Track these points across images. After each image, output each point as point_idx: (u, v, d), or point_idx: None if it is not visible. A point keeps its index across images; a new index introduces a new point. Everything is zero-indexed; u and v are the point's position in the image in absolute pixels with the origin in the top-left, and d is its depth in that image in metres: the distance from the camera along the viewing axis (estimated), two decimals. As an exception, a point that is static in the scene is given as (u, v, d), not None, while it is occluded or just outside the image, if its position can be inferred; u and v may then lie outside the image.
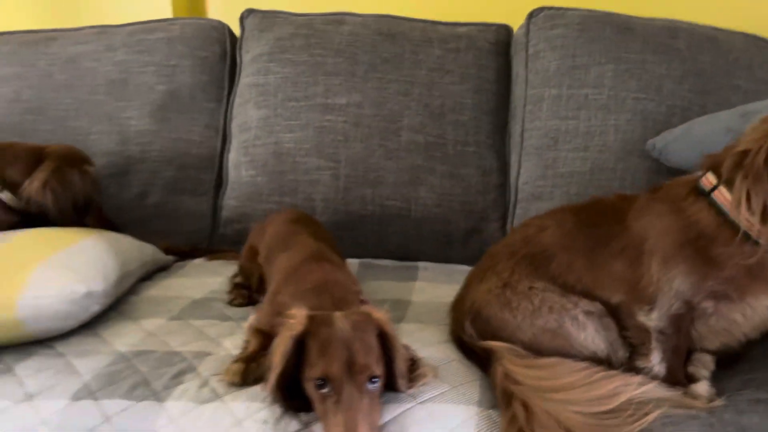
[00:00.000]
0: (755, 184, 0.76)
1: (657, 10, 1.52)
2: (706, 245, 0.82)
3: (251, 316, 0.93)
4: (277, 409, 0.77)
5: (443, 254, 1.41)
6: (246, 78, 1.54)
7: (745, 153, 0.79)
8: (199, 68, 1.57)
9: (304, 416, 0.76)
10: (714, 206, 0.83)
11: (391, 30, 1.52)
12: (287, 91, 1.48)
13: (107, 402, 0.80)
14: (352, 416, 0.69)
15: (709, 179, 0.85)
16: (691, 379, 0.86)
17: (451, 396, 0.80)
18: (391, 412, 0.76)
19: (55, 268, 0.92)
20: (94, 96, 1.56)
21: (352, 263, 1.34)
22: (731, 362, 0.91)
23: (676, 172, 1.22)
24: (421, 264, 1.38)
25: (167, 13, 1.78)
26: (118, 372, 0.85)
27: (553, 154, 1.38)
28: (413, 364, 0.82)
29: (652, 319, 0.85)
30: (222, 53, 1.60)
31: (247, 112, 1.50)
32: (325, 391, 0.71)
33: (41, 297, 0.88)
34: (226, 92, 1.58)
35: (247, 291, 1.12)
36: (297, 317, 0.76)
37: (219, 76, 1.59)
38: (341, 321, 0.75)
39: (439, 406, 0.78)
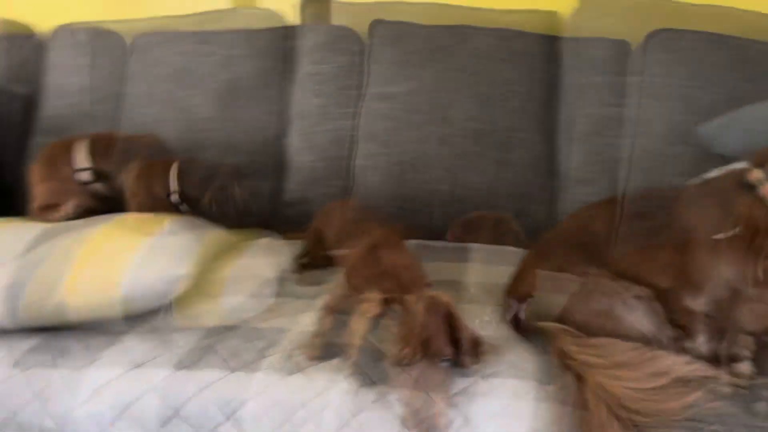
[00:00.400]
0: None
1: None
2: (753, 235, 0.88)
3: (326, 296, 1.03)
4: (355, 381, 0.87)
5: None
6: (306, 66, 1.61)
7: None
8: (257, 57, 1.65)
9: (380, 387, 0.86)
10: (761, 200, 0.89)
11: (442, 18, 1.57)
12: (342, 80, 1.56)
13: (205, 372, 0.91)
14: (426, 394, 0.79)
15: (756, 174, 0.90)
16: (734, 359, 0.92)
17: (510, 372, 0.88)
18: (458, 385, 0.85)
19: (153, 253, 1.03)
20: (161, 84, 1.66)
21: (407, 244, 1.42)
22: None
23: (724, 160, 1.27)
24: (471, 245, 1.45)
25: (226, 2, 1.85)
26: (210, 346, 0.96)
27: (600, 140, 1.43)
28: (476, 342, 0.90)
29: (699, 304, 0.91)
30: (279, 42, 1.68)
31: (306, 99, 1.59)
32: (401, 368, 0.80)
33: (144, 280, 0.98)
34: (284, 79, 1.67)
35: (315, 270, 1.22)
36: (372, 300, 0.85)
37: (277, 64, 1.67)
38: (414, 304, 0.84)
39: (499, 380, 0.87)
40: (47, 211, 1.21)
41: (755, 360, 0.92)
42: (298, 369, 0.90)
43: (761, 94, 1.34)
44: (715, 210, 0.92)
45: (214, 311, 1.07)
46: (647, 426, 0.80)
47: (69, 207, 1.18)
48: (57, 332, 1.01)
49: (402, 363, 0.81)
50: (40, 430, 0.90)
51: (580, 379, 0.84)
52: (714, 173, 1.03)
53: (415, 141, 1.50)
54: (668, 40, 1.43)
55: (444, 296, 0.87)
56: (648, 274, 0.96)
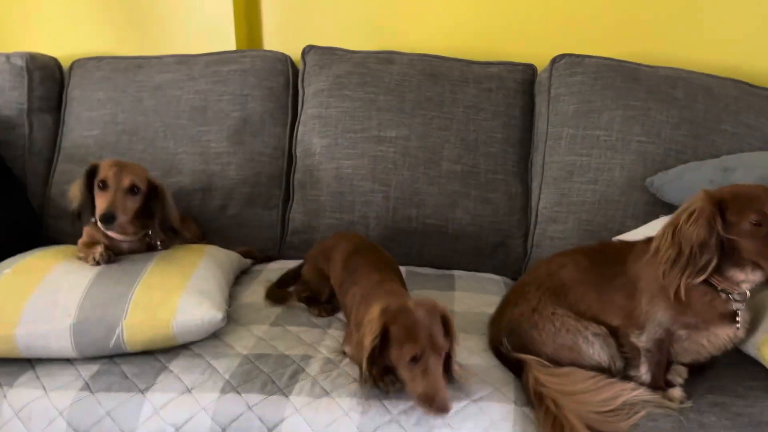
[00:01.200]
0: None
1: (661, 57, 1.80)
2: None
3: (346, 347, 1.22)
4: (370, 402, 1.08)
5: (474, 264, 1.71)
6: (309, 109, 1.80)
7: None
8: (267, 97, 1.84)
9: (393, 409, 1.07)
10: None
11: (433, 70, 1.78)
12: (346, 124, 1.75)
13: (247, 395, 1.11)
14: (436, 380, 1.01)
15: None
16: (669, 384, 1.16)
17: (494, 395, 1.11)
18: (453, 407, 1.07)
19: (195, 295, 1.22)
20: (178, 120, 1.83)
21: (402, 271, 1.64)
22: (702, 370, 1.22)
23: (670, 206, 1.51)
24: (456, 273, 1.67)
25: (231, 42, 2.02)
26: (248, 372, 1.16)
27: (568, 185, 1.66)
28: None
29: (642, 341, 1.15)
30: (286, 83, 1.86)
31: (311, 140, 1.78)
32: (413, 363, 1.01)
33: (190, 321, 1.18)
34: (290, 118, 1.85)
35: (328, 305, 1.41)
36: (374, 315, 1.05)
37: (284, 104, 1.85)
38: (416, 309, 1.04)
39: (486, 403, 1.09)
40: (88, 247, 1.37)
41: (686, 385, 1.17)
42: (324, 393, 1.10)
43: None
44: (653, 266, 1.14)
45: (244, 338, 1.27)
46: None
47: (98, 249, 1.34)
48: (115, 359, 1.20)
49: (415, 358, 1.02)
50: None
51: (556, 404, 1.06)
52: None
53: (409, 181, 1.71)
54: (627, 100, 1.66)
55: (439, 303, 1.09)
56: (603, 315, 1.19)
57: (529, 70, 1.81)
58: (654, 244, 1.14)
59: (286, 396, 1.10)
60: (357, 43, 1.89)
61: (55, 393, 1.13)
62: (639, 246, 1.21)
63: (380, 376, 1.09)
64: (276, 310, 1.41)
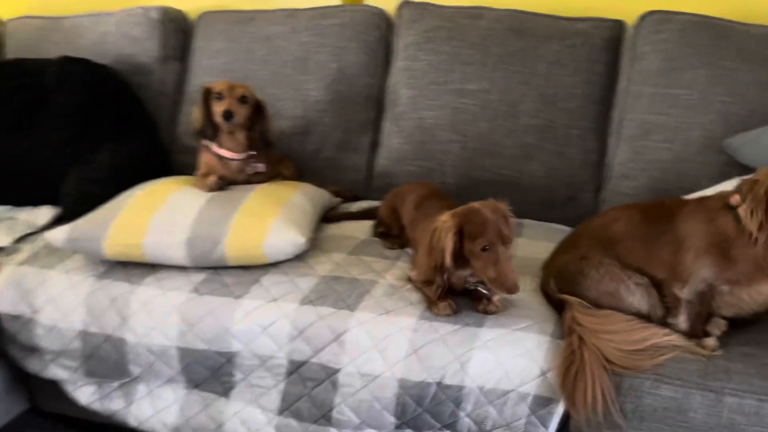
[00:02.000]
0: (756, 206, 1.11)
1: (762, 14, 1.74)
2: (728, 246, 1.17)
3: (412, 272, 1.39)
4: (423, 323, 1.24)
5: (545, 215, 1.79)
6: (399, 62, 1.94)
7: (755, 182, 1.12)
8: (362, 49, 1.98)
9: (441, 329, 1.23)
10: (737, 218, 1.17)
11: (519, 26, 1.84)
12: (431, 76, 1.87)
13: (320, 308, 1.31)
14: (505, 265, 1.17)
15: (736, 198, 1.18)
16: (707, 335, 1.23)
17: (533, 327, 1.24)
18: (494, 332, 1.22)
19: (284, 222, 1.43)
20: (283, 69, 2.03)
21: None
22: (747, 325, 1.27)
23: (747, 168, 1.52)
24: (526, 221, 1.78)
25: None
26: (324, 289, 1.36)
27: (643, 143, 1.70)
28: None
29: (684, 293, 1.22)
30: (380, 37, 2.00)
31: (398, 91, 1.92)
32: (486, 253, 1.17)
33: (277, 243, 1.39)
34: (381, 70, 2.00)
35: (396, 239, 1.59)
36: (446, 219, 1.21)
37: (377, 57, 1.99)
38: (483, 208, 1.19)
39: (524, 333, 1.23)
40: (203, 178, 1.63)
41: (726, 337, 1.23)
42: (384, 312, 1.29)
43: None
44: (704, 224, 1.20)
45: (325, 263, 1.48)
46: (623, 375, 1.15)
47: (211, 178, 1.59)
48: (219, 270, 1.45)
49: (485, 248, 1.18)
50: (212, 336, 1.34)
51: (581, 340, 1.18)
52: (709, 191, 1.30)
53: (486, 132, 1.81)
54: (713, 59, 1.64)
55: (501, 203, 1.23)
56: (649, 267, 1.27)
57: (617, 26, 1.82)
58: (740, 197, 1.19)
59: (352, 311, 1.30)
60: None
61: (171, 293, 1.40)
62: (690, 204, 1.27)
63: (443, 296, 1.26)
64: (355, 242, 1.60)
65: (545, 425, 1.19)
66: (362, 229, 1.69)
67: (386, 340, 1.25)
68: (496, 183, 1.82)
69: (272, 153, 1.83)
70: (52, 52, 2.14)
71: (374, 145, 1.99)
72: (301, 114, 2.01)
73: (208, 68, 2.12)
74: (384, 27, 2.01)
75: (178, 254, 1.42)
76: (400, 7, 1.99)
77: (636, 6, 1.81)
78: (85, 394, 1.50)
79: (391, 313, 1.28)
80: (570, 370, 1.15)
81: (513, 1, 1.94)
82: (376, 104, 1.99)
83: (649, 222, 1.29)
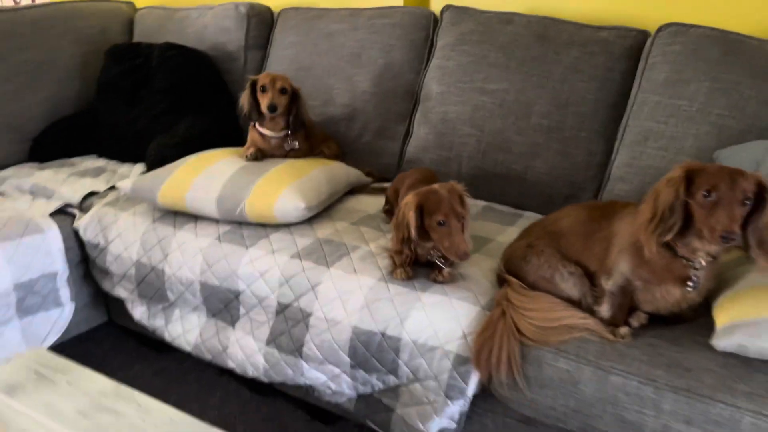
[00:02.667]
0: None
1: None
2: (642, 247, 1.28)
3: (389, 243, 1.62)
4: (381, 283, 1.48)
5: (545, 209, 1.91)
6: (435, 60, 2.15)
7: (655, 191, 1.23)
8: (407, 47, 2.22)
9: (392, 290, 1.46)
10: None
11: (544, 32, 1.97)
12: (458, 75, 2.06)
13: (305, 262, 1.59)
14: (458, 236, 1.38)
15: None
16: (627, 324, 1.35)
17: (469, 298, 1.43)
18: (432, 298, 1.43)
19: (294, 191, 1.72)
20: (339, 62, 2.32)
21: (478, 203, 1.96)
22: (679, 323, 1.36)
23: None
24: (526, 213, 1.92)
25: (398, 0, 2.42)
26: (314, 248, 1.64)
27: (641, 149, 1.78)
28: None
29: (608, 285, 1.35)
30: (425, 37, 2.22)
31: (431, 87, 2.14)
32: (441, 227, 1.39)
33: (285, 207, 1.69)
34: (422, 67, 2.22)
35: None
36: (409, 199, 1.44)
37: (420, 55, 2.22)
38: (440, 189, 1.41)
39: (459, 301, 1.42)
40: (246, 150, 1.97)
41: (640, 329, 1.34)
42: (354, 272, 1.54)
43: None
44: (629, 225, 1.32)
45: (327, 228, 1.75)
46: (531, 347, 1.31)
47: (251, 150, 1.93)
48: (241, 225, 1.78)
49: (440, 222, 1.39)
50: (225, 276, 1.67)
51: (503, 312, 1.36)
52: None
53: (500, 129, 1.98)
54: (719, 73, 1.69)
55: (459, 186, 1.44)
56: (584, 260, 1.40)
57: (641, 36, 1.90)
58: (641, 206, 1.31)
59: (328, 267, 1.57)
60: (509, 4, 2.16)
61: (200, 238, 1.75)
62: (629, 208, 1.38)
63: (409, 264, 1.50)
64: (363, 215, 1.86)
65: (465, 381, 1.38)
66: (377, 205, 1.94)
67: (348, 294, 1.51)
68: (504, 176, 1.99)
69: (315, 134, 2.14)
70: (167, 38, 2.61)
71: (407, 134, 2.23)
72: (349, 102, 2.28)
73: (282, 58, 2.47)
74: (430, 28, 2.22)
75: (210, 208, 1.77)
76: (444, 10, 2.19)
77: (667, 17, 1.88)
78: (138, 312, 1.91)
79: (358, 272, 1.53)
80: (483, 335, 1.33)
81: (551, 8, 2.07)
82: (414, 98, 2.22)
83: (591, 220, 1.42)
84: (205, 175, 1.82)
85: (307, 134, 2.08)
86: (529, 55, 1.97)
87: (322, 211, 1.86)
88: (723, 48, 1.71)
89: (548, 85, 1.93)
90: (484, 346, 1.33)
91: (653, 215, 1.23)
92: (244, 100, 1.96)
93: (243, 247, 1.69)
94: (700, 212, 1.18)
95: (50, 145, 2.47)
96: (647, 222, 1.23)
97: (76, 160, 2.44)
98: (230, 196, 1.75)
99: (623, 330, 1.33)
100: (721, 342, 1.20)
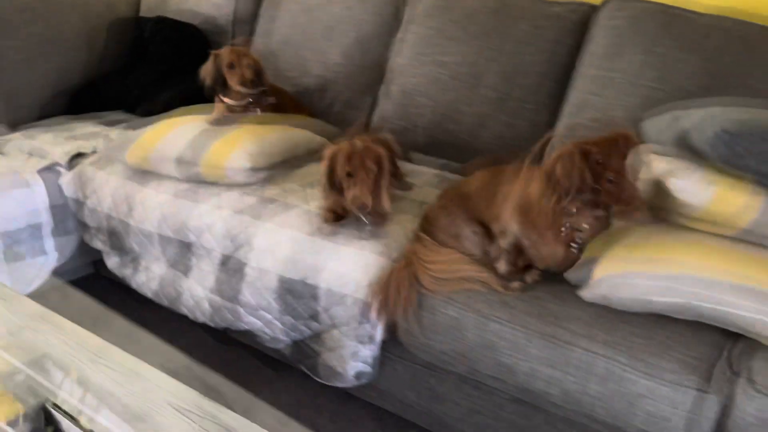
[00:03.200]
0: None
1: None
2: (529, 209, 1.36)
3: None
4: (307, 231, 1.61)
5: (492, 178, 2.01)
6: (399, 34, 2.24)
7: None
8: (378, 22, 2.31)
9: (314, 236, 1.59)
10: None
11: (500, 6, 2.04)
12: (418, 48, 2.15)
13: (245, 217, 1.73)
14: (361, 189, 1.48)
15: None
16: (522, 280, 1.43)
17: (381, 251, 1.53)
18: (348, 249, 1.54)
19: (242, 152, 1.85)
20: (315, 36, 2.42)
21: (431, 171, 2.05)
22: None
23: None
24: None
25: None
26: (257, 204, 1.77)
27: (576, 120, 1.83)
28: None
29: (503, 243, 1.43)
30: (395, 12, 2.30)
31: (395, 60, 2.23)
32: (350, 178, 1.50)
33: (234, 167, 1.82)
34: (391, 41, 2.31)
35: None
36: (326, 151, 1.56)
37: (390, 29, 2.31)
38: (355, 143, 1.52)
39: (371, 253, 1.53)
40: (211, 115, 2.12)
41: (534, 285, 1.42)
42: (285, 224, 1.67)
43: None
44: (522, 187, 1.39)
45: (275, 189, 1.88)
46: (427, 295, 1.41)
47: (214, 116, 2.08)
48: (199, 183, 1.92)
49: (349, 173, 1.50)
50: (177, 228, 1.83)
51: (406, 262, 1.46)
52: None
53: (453, 100, 2.06)
54: (652, 45, 1.72)
55: (388, 143, 1.55)
56: (487, 220, 1.49)
57: (590, 10, 1.94)
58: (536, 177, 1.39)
59: (264, 222, 1.70)
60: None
61: (160, 194, 1.90)
62: (528, 170, 1.46)
63: (337, 218, 1.62)
64: (314, 178, 1.98)
65: (372, 327, 1.49)
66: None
67: (277, 245, 1.64)
68: (454, 145, 2.07)
69: (286, 102, 2.27)
70: (169, 13, 2.78)
71: (373, 105, 2.33)
72: (322, 74, 2.40)
73: (266, 31, 2.59)
74: (399, 3, 2.31)
75: (170, 168, 1.92)
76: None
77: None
78: (111, 262, 2.09)
79: (289, 227, 1.66)
80: (384, 282, 1.44)
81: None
82: (381, 70, 2.32)
83: (494, 183, 1.50)
84: (168, 137, 1.97)
85: (277, 102, 2.21)
86: (482, 29, 2.04)
87: (280, 173, 1.98)
88: (660, 21, 1.74)
89: (499, 57, 2.00)
90: (384, 292, 1.43)
91: (555, 187, 1.30)
92: (206, 73, 2.10)
93: (194, 202, 1.84)
94: (607, 193, 1.26)
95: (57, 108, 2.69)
96: (550, 192, 1.31)
97: (77, 124, 2.64)
98: (188, 157, 1.90)
99: (515, 285, 1.41)
100: (587, 293, 1.28)
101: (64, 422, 0.85)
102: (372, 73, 2.32)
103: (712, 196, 1.21)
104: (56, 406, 0.88)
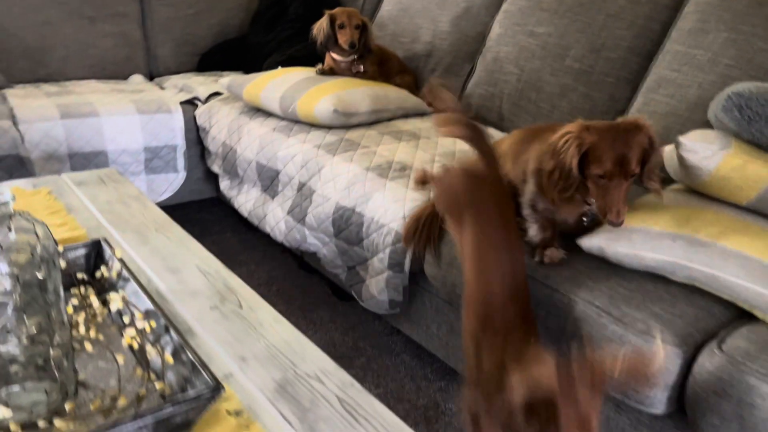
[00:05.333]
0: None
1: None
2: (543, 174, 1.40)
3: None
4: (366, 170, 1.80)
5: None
6: (504, 5, 2.33)
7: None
8: (487, -7, 2.43)
9: (374, 176, 1.78)
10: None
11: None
12: (516, 18, 2.23)
13: (320, 151, 1.96)
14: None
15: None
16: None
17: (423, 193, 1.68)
18: (391, 185, 1.71)
19: (332, 97, 2.09)
20: (429, 5, 2.60)
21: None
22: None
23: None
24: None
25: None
26: (334, 144, 2.00)
27: (652, 95, 1.81)
28: None
29: (524, 208, 1.48)
30: (504, -17, 2.40)
31: (494, 29, 2.32)
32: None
33: (320, 108, 2.06)
34: (497, 13, 2.41)
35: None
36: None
37: (497, 1, 2.41)
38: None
39: (412, 192, 1.68)
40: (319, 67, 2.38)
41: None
42: (350, 161, 1.87)
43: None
44: (539, 151, 1.42)
45: (357, 132, 2.09)
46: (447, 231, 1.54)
47: (320, 66, 2.33)
48: (297, 122, 2.19)
49: None
50: (270, 157, 2.11)
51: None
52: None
53: (538, 69, 2.11)
54: (737, 24, 1.66)
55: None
56: (514, 180, 1.53)
57: (690, -13, 1.89)
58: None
59: (332, 156, 1.92)
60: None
61: (262, 127, 2.21)
62: (548, 131, 1.49)
63: None
64: (394, 129, 2.16)
65: (402, 256, 1.65)
66: (417, 125, 2.22)
67: (338, 176, 1.85)
68: (534, 113, 2.13)
69: (392, 65, 2.47)
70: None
71: (471, 71, 2.44)
72: (431, 41, 2.56)
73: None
74: (511, -26, 2.39)
75: (274, 105, 2.22)
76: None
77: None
78: (224, 184, 2.45)
79: (350, 161, 1.87)
80: (414, 216, 1.59)
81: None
82: (483, 39, 2.42)
83: (523, 142, 1.54)
84: (277, 81, 2.27)
85: (380, 62, 2.42)
86: (578, 1, 2.07)
87: (367, 121, 2.19)
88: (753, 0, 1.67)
89: (588, 30, 2.02)
90: (413, 225, 1.58)
91: (554, 173, 1.27)
92: (318, 30, 2.35)
93: (286, 136, 2.11)
94: (595, 189, 1.23)
95: (212, 60, 3.13)
96: (549, 176, 1.28)
97: (226, 72, 3.07)
98: (288, 97, 2.18)
99: (553, 252, 1.40)
100: (585, 242, 1.32)
101: (108, 252, 1.13)
102: (475, 42, 2.44)
103: (720, 160, 1.19)
104: (107, 242, 1.17)
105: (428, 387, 1.81)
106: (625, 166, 1.18)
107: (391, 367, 1.90)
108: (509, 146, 1.57)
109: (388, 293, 1.73)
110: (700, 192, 1.31)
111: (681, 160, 1.30)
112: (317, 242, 1.94)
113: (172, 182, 2.58)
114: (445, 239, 1.54)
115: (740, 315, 1.19)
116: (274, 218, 2.12)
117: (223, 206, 2.83)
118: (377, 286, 1.76)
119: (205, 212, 2.84)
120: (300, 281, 2.34)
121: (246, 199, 2.30)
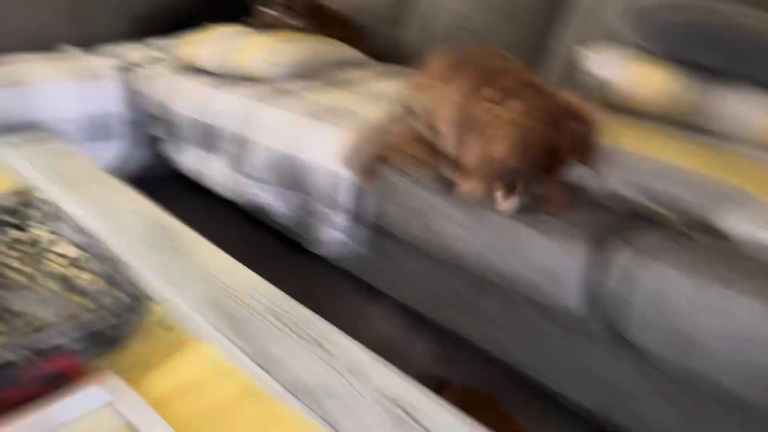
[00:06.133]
0: None
1: None
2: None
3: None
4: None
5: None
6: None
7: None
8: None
9: (314, 121, 1.80)
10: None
11: None
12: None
13: (258, 102, 1.97)
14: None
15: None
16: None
17: (351, 125, 1.71)
18: (318, 125, 1.74)
19: (267, 50, 2.10)
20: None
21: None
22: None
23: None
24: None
25: None
26: (269, 94, 2.01)
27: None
28: None
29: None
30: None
31: None
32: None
33: (255, 59, 2.07)
34: None
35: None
36: None
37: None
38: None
39: (338, 127, 1.71)
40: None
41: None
42: (288, 109, 1.89)
43: None
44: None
45: (296, 84, 2.11)
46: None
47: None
48: (229, 78, 2.19)
49: None
50: (204, 111, 2.11)
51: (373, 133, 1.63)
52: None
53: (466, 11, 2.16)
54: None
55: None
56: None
57: None
58: None
59: (270, 106, 1.93)
60: None
61: (197, 86, 2.20)
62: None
63: None
64: (334, 78, 2.18)
65: (343, 195, 1.70)
66: (358, 75, 2.24)
67: (276, 124, 1.87)
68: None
69: (330, 17, 2.48)
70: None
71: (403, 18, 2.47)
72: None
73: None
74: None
75: (209, 62, 2.22)
76: None
77: None
78: (166, 146, 2.45)
79: (287, 109, 1.89)
80: (351, 153, 1.63)
81: None
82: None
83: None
84: (211, 37, 2.27)
85: (315, 15, 2.43)
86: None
87: (306, 74, 2.20)
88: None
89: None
90: (352, 162, 1.62)
91: None
92: None
93: (220, 91, 2.12)
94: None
95: (146, 26, 3.08)
96: None
97: (160, 36, 3.01)
98: (222, 51, 2.18)
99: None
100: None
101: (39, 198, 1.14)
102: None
103: (628, 72, 1.26)
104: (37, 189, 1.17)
105: (381, 326, 1.87)
106: None
107: (344, 309, 1.95)
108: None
109: (333, 234, 1.77)
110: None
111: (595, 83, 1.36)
112: (261, 192, 1.97)
113: (114, 150, 2.55)
114: (384, 174, 1.59)
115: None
116: (217, 173, 2.13)
117: (178, 177, 2.81)
118: (322, 228, 1.80)
119: (156, 182, 2.82)
120: (251, 237, 2.36)
121: (188, 158, 2.30)
